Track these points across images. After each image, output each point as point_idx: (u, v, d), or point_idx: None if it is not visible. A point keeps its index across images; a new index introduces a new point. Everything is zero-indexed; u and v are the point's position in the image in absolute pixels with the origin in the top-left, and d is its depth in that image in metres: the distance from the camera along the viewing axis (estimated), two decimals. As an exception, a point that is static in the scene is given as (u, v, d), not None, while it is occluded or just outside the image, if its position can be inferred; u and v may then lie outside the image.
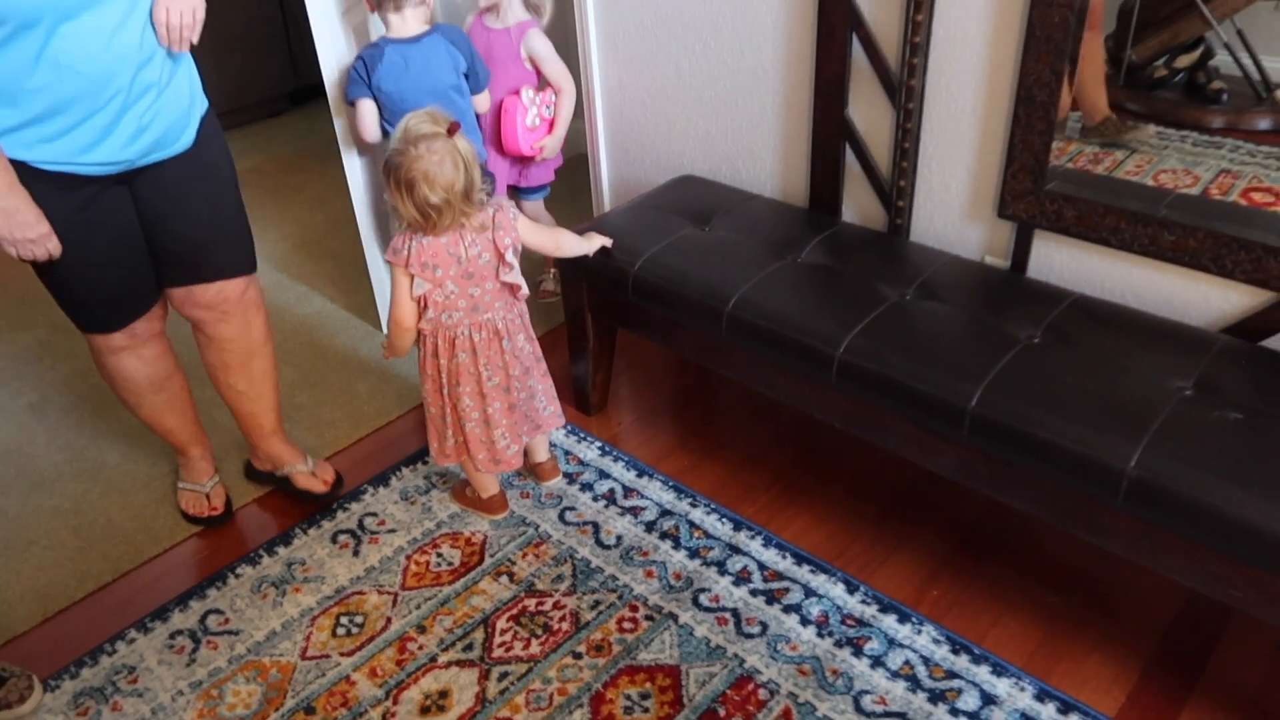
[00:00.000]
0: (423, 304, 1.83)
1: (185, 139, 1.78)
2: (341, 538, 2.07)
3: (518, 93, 2.43)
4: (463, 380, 1.89)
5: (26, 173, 1.61)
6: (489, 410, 1.92)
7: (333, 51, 2.35)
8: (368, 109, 2.27)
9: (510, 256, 1.82)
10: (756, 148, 2.33)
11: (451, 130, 1.73)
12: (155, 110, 1.70)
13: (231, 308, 1.97)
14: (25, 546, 2.13)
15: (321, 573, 1.99)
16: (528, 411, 2.00)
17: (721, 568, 1.92)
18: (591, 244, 2.07)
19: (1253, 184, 1.74)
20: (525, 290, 1.88)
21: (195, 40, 1.71)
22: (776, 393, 1.94)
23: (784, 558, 1.93)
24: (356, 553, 2.03)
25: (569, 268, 2.19)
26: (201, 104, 1.83)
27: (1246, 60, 1.75)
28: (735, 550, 1.96)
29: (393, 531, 2.08)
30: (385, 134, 2.31)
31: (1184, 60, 1.81)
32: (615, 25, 2.47)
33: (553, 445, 2.27)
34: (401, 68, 2.22)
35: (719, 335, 1.93)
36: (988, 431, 1.57)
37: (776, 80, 2.20)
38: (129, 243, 1.81)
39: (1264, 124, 1.75)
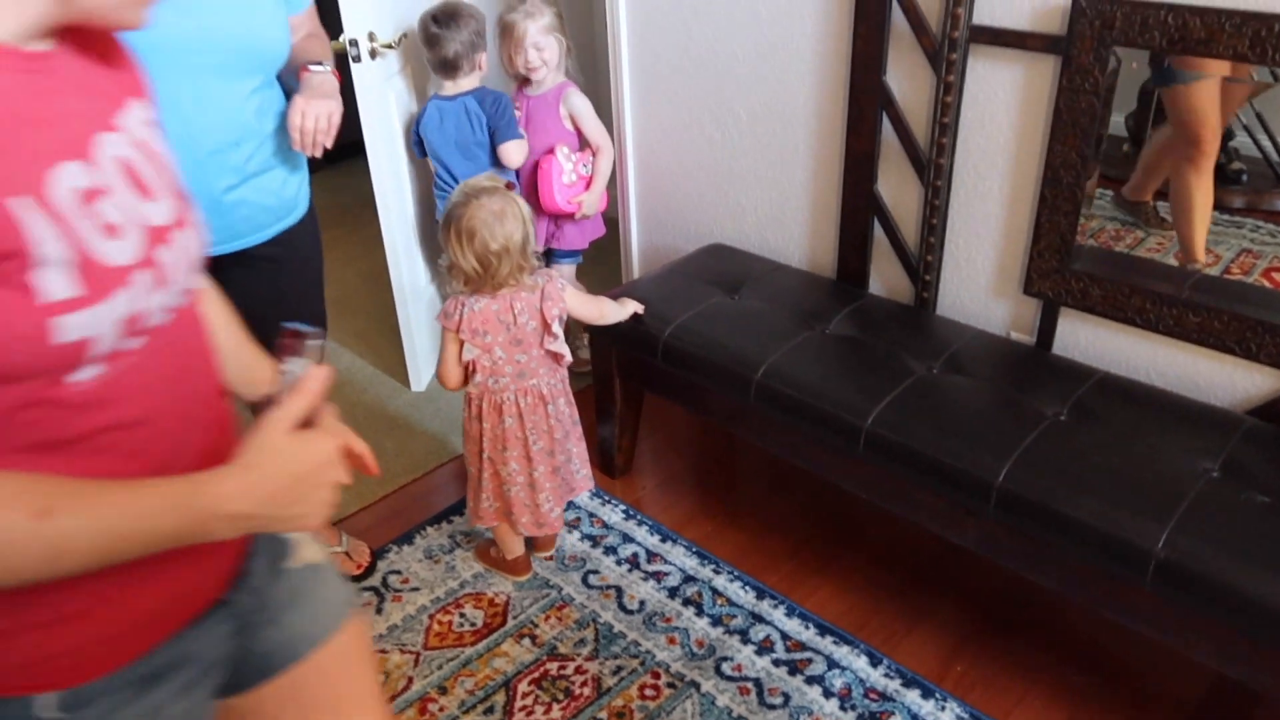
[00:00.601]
0: (471, 368, 1.88)
1: (262, 235, 1.69)
2: (364, 595, 2.08)
3: (553, 151, 2.50)
4: (509, 445, 1.92)
5: None
6: (534, 474, 1.95)
7: (376, 111, 2.43)
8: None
9: (557, 326, 1.87)
10: (786, 219, 2.38)
11: (510, 186, 1.84)
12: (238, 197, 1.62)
13: None
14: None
15: (345, 629, 2.00)
16: (565, 475, 2.02)
17: (744, 636, 1.92)
18: (625, 310, 2.11)
19: (1273, 264, 1.77)
20: (569, 358, 1.93)
21: (330, 146, 1.67)
22: (802, 461, 1.96)
23: (807, 628, 1.93)
24: (379, 610, 2.04)
25: (599, 332, 2.22)
26: (301, 203, 1.77)
27: (1265, 142, 1.79)
28: (758, 619, 1.96)
29: (416, 590, 2.09)
30: (437, 201, 2.52)
31: None
32: (650, 96, 2.54)
33: (576, 507, 2.28)
34: (437, 121, 2.48)
35: (746, 403, 1.95)
36: (1015, 507, 1.58)
37: (807, 155, 2.26)
38: None
39: None
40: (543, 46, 2.42)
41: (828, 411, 1.81)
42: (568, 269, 2.71)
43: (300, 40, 1.70)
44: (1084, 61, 1.74)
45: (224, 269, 1.60)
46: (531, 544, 2.16)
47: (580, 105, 2.52)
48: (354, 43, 2.34)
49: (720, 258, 2.37)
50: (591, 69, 3.18)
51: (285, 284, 1.76)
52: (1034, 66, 1.82)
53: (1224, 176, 1.82)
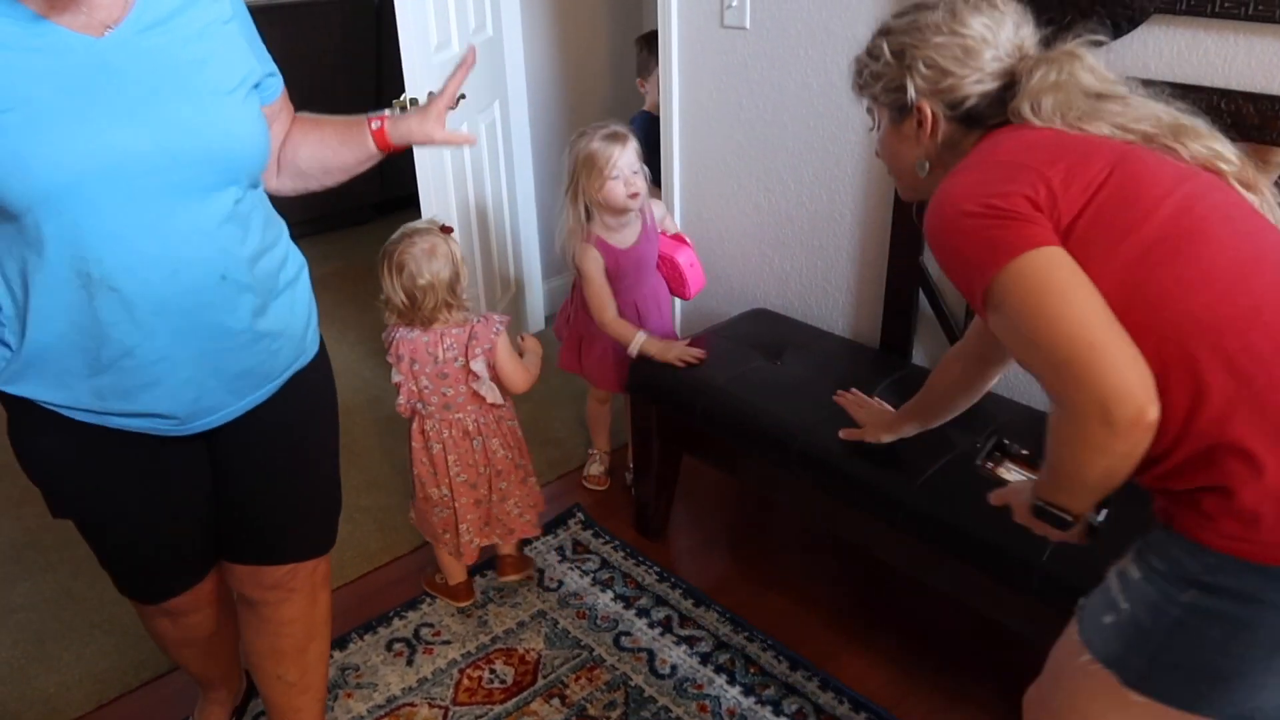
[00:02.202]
0: (398, 389, 2.03)
1: (282, 377, 1.40)
2: (396, 645, 2.08)
3: (681, 244, 2.43)
4: (436, 469, 2.06)
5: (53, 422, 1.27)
6: (456, 504, 2.07)
7: (432, 168, 2.49)
8: None
9: (477, 366, 1.96)
10: (830, 287, 2.39)
11: (446, 229, 1.97)
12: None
13: (300, 584, 1.58)
14: (88, 629, 2.17)
15: (374, 679, 1.99)
16: (500, 515, 2.13)
17: (777, 708, 1.89)
18: (526, 372, 2.07)
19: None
20: (497, 400, 2.02)
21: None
22: (840, 531, 1.94)
23: (841, 702, 1.89)
24: (410, 662, 2.03)
25: (640, 391, 2.24)
26: (314, 337, 1.48)
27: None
28: (791, 690, 1.92)
29: (447, 643, 2.08)
30: None
31: None
32: (699, 162, 2.59)
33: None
34: None
35: (784, 470, 1.94)
36: (1060, 587, 1.55)
37: (854, 224, 2.27)
38: (183, 509, 1.43)
39: None
40: (637, 166, 2.18)
41: (867, 482, 1.80)
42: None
43: (287, 129, 1.50)
44: (1136, 143, 1.74)
45: (225, 443, 1.39)
46: (496, 564, 2.25)
47: (662, 209, 2.44)
48: (414, 101, 2.41)
49: (763, 323, 2.39)
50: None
51: (301, 445, 1.49)
52: (1085, 146, 1.84)
53: None
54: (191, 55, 1.20)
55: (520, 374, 2.03)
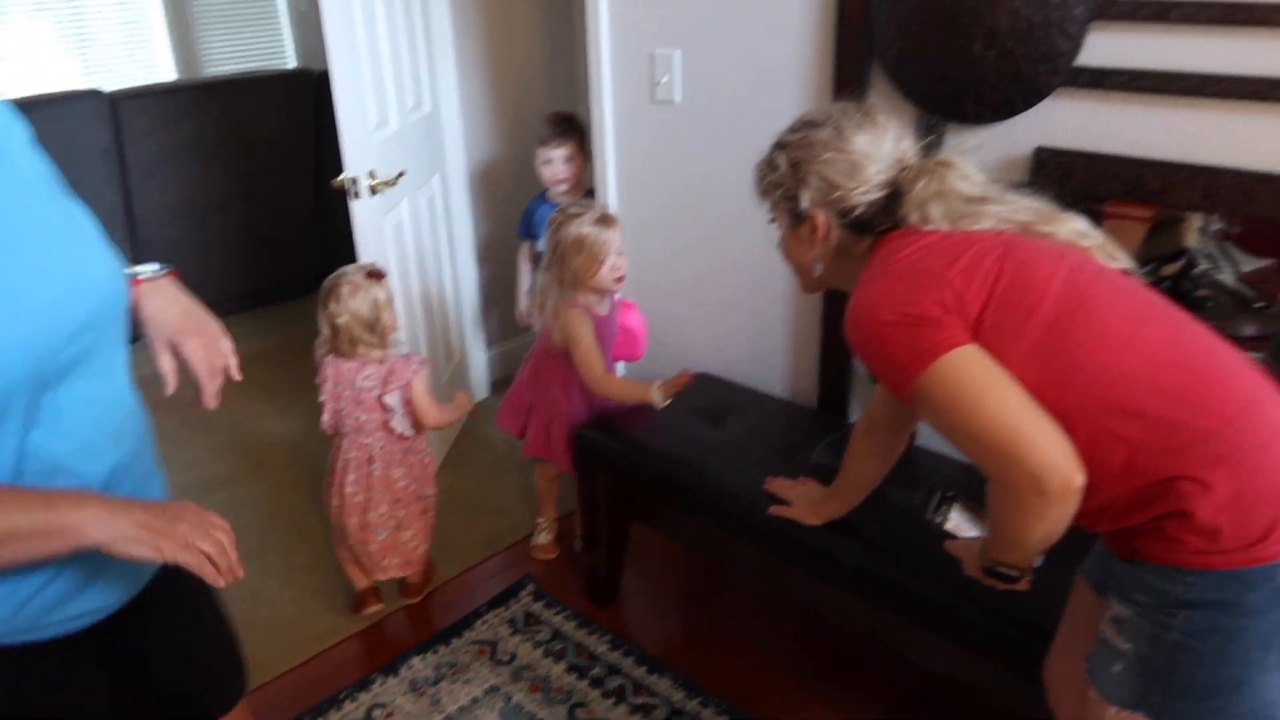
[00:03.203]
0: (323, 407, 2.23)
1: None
2: (347, 729, 2.04)
3: (625, 308, 2.48)
4: (335, 481, 2.24)
5: None
6: (346, 521, 2.24)
7: (373, 244, 2.51)
8: None
9: (389, 400, 2.15)
10: (768, 350, 2.45)
11: (373, 274, 2.16)
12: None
13: None
14: None
15: (325, 767, 1.95)
16: (395, 543, 2.27)
17: (733, 773, 1.89)
18: (448, 414, 2.27)
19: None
20: (406, 432, 2.20)
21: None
22: (788, 592, 1.97)
23: (797, 764, 1.90)
24: (362, 746, 2.00)
25: (586, 460, 2.25)
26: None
27: (1225, 276, 1.87)
28: (747, 754, 1.93)
29: (399, 724, 2.05)
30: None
31: (1169, 269, 1.94)
32: (636, 230, 2.65)
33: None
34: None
35: (730, 533, 1.97)
36: (1003, 639, 1.59)
37: (788, 288, 2.34)
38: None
39: (1249, 329, 1.85)
40: (623, 249, 2.25)
41: (809, 544, 1.83)
42: None
43: None
44: (1048, 208, 1.84)
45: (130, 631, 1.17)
46: (401, 587, 2.43)
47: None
48: (354, 180, 2.44)
49: (705, 387, 2.43)
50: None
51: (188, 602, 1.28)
52: (1001, 211, 1.93)
53: (1190, 302, 1.90)
54: None
55: (434, 413, 2.22)
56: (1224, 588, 1.07)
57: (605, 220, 2.20)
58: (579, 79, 3.43)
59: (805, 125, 1.36)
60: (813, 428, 2.21)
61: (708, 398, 2.35)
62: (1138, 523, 1.12)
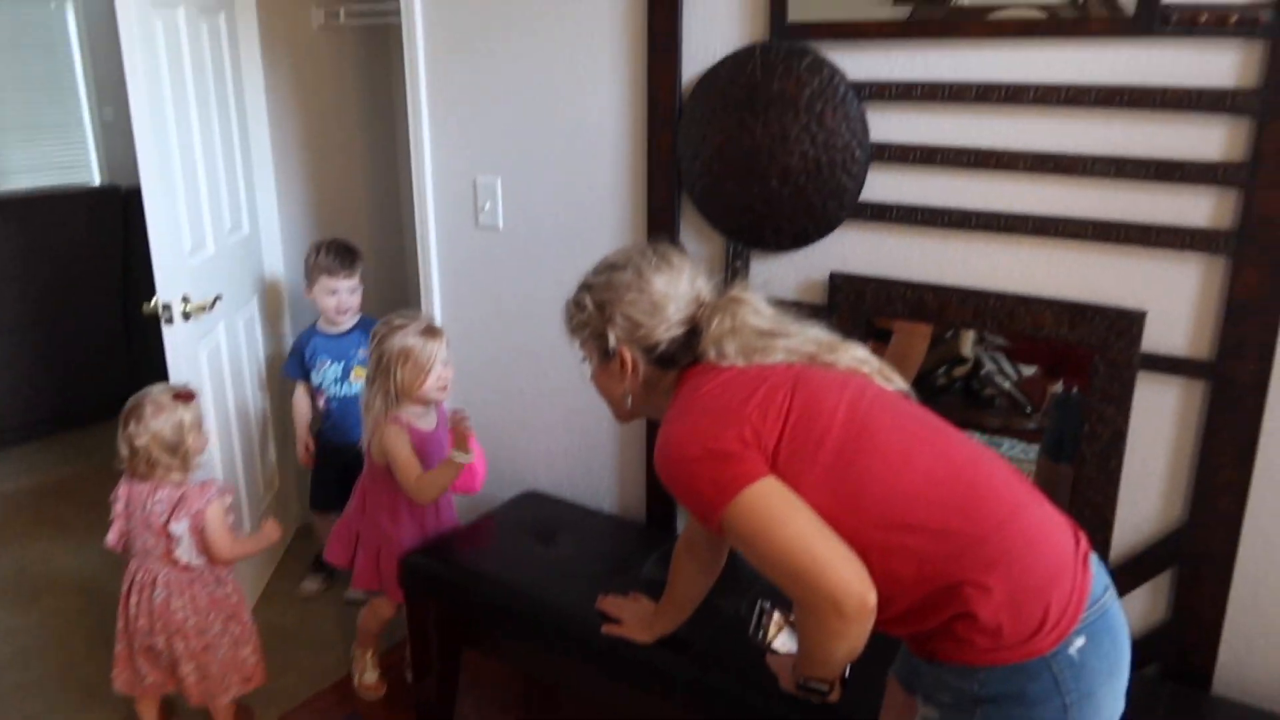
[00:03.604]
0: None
1: None
2: None
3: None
4: (121, 603, 2.16)
5: None
6: (130, 643, 2.16)
7: (188, 370, 2.41)
8: None
9: (175, 528, 2.07)
10: (596, 466, 2.49)
11: (180, 395, 2.12)
12: None
13: None
14: None
15: None
16: (175, 677, 2.17)
17: None
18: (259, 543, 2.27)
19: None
20: (191, 562, 2.11)
21: None
22: (624, 711, 1.96)
23: None
24: None
25: (414, 586, 2.20)
26: None
27: (1005, 381, 2.06)
28: None
29: None
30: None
31: (959, 370, 2.12)
32: (463, 352, 2.67)
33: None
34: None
35: (563, 655, 1.96)
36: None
37: (612, 405, 2.41)
38: None
39: (1032, 425, 2.03)
40: (448, 358, 2.26)
41: (641, 660, 1.85)
42: None
43: None
44: (844, 328, 1.99)
45: None
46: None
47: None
48: (167, 306, 2.36)
49: (534, 505, 2.44)
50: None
51: None
52: (804, 330, 2.07)
53: (979, 401, 2.09)
54: None
55: (225, 546, 2.14)
56: (1011, 681, 1.17)
57: (430, 331, 2.22)
58: (404, 201, 3.47)
59: (608, 268, 1.46)
60: (642, 542, 2.25)
61: (538, 517, 2.37)
62: (931, 627, 1.21)
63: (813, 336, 1.39)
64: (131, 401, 2.10)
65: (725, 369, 1.35)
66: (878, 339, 2.02)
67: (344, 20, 3.17)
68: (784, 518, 1.21)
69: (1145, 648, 1.82)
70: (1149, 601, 1.83)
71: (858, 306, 1.98)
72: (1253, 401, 1.65)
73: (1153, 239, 1.68)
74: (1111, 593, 1.24)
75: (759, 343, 1.36)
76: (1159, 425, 1.76)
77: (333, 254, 2.74)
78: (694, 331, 1.40)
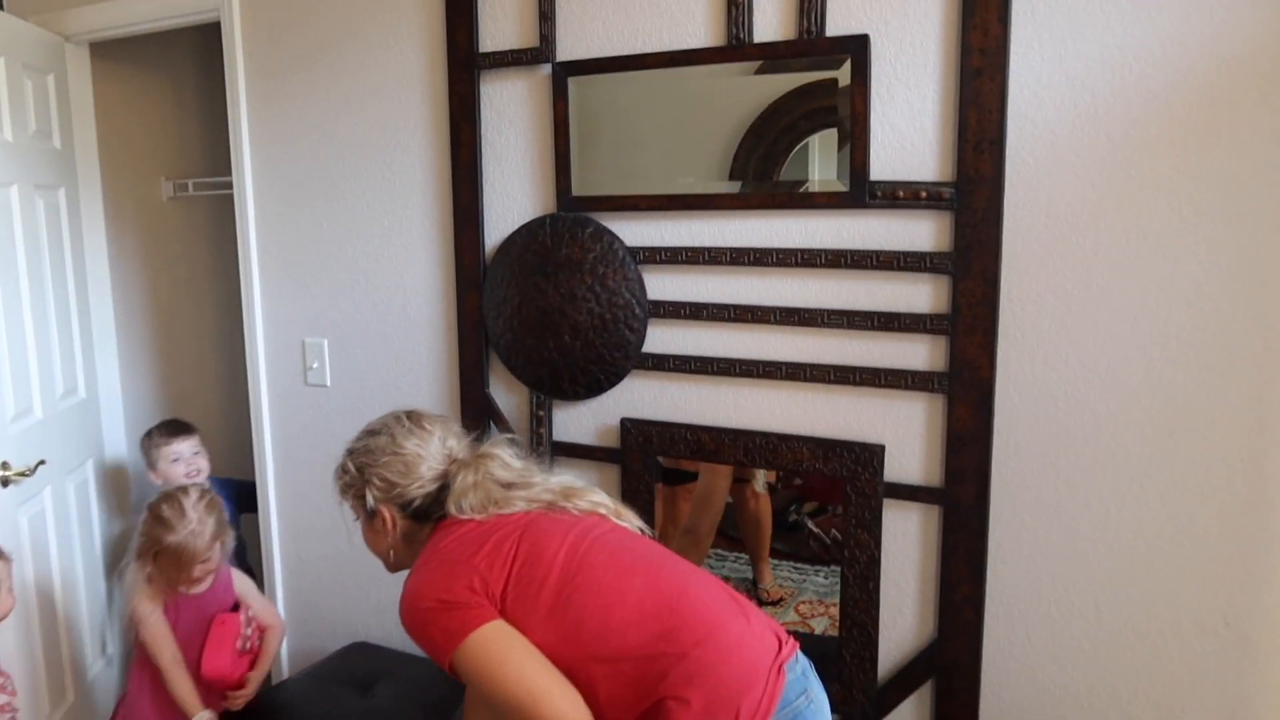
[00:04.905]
0: None
1: None
2: None
3: (236, 610, 2.36)
4: None
5: None
6: None
7: (8, 539, 2.40)
8: None
9: None
10: (423, 612, 2.54)
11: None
12: None
13: None
14: None
15: None
16: None
17: None
18: None
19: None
20: None
21: None
22: None
23: None
24: None
25: (229, 747, 2.20)
26: None
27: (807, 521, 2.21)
28: None
29: None
30: None
31: (808, 507, 2.28)
32: (292, 504, 2.73)
33: None
34: None
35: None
36: None
37: (436, 552, 2.49)
38: None
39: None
40: (217, 551, 2.26)
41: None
42: None
43: None
44: (636, 468, 2.16)
45: None
46: None
47: (248, 584, 2.47)
48: (5, 465, 2.38)
49: (360, 656, 2.47)
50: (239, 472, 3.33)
51: None
52: (603, 472, 2.23)
53: (812, 538, 2.23)
54: None
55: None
56: None
57: (193, 530, 2.19)
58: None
59: (367, 434, 1.63)
60: (459, 686, 2.29)
61: (360, 666, 2.40)
62: None
63: (554, 485, 1.56)
64: None
65: (465, 522, 1.50)
66: (684, 480, 2.18)
67: (192, 191, 3.34)
68: (504, 656, 1.34)
69: (918, 759, 1.96)
70: (916, 713, 1.97)
71: (646, 448, 2.14)
72: (977, 522, 1.85)
73: (883, 380, 1.90)
74: (807, 698, 1.38)
75: (500, 494, 1.52)
76: (906, 547, 1.94)
77: (163, 427, 2.82)
78: (445, 487, 1.55)
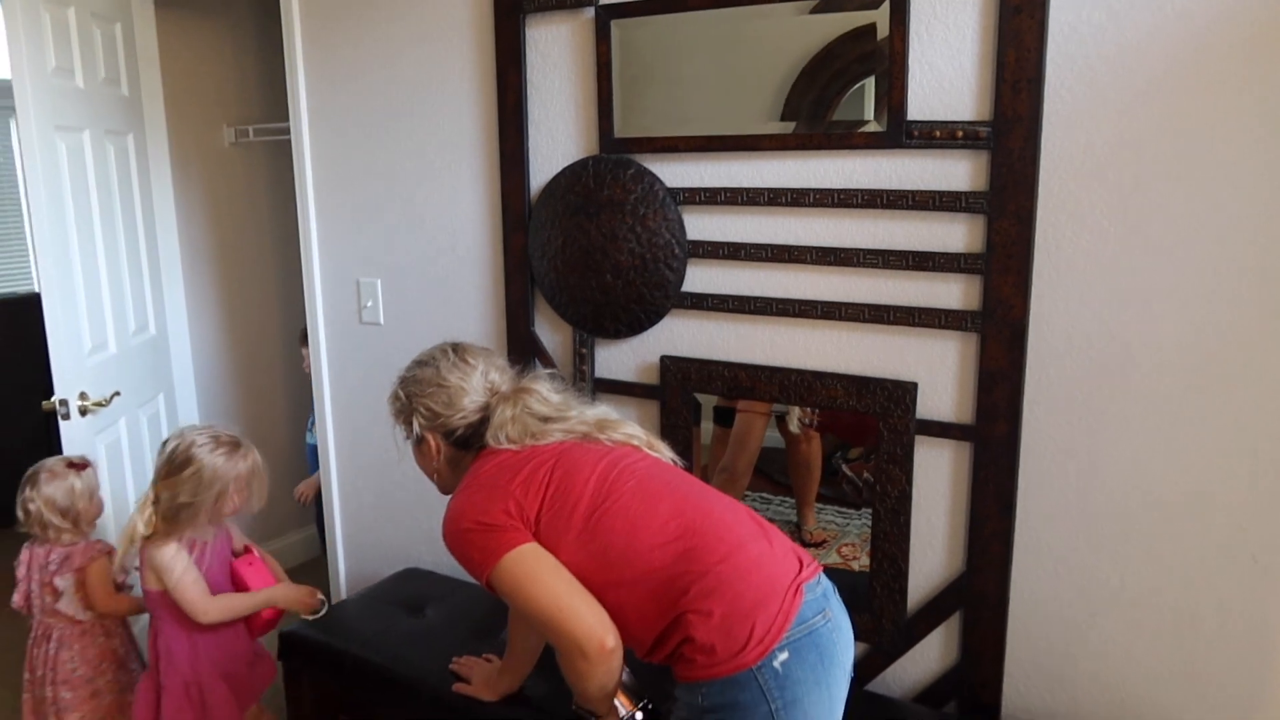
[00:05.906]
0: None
1: None
2: None
3: (250, 550, 2.39)
4: (27, 659, 2.35)
5: None
6: (25, 692, 2.35)
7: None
8: None
9: (59, 582, 2.27)
10: (471, 541, 2.66)
11: (73, 464, 2.33)
12: None
13: None
14: None
15: None
16: None
17: None
18: None
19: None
20: (76, 616, 2.29)
21: None
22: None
23: None
24: None
25: (292, 658, 2.34)
26: None
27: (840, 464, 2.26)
28: None
29: None
30: None
31: (854, 453, 2.33)
32: (350, 437, 2.85)
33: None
34: None
35: (424, 714, 2.10)
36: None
37: (484, 484, 2.59)
38: None
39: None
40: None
41: (488, 718, 2.00)
42: None
43: None
44: (674, 404, 2.22)
45: None
46: None
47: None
48: (64, 402, 2.54)
49: (411, 581, 2.60)
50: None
51: None
52: (643, 408, 2.30)
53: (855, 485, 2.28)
54: None
55: (104, 599, 2.30)
56: (726, 692, 1.37)
57: (234, 454, 2.16)
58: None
59: (416, 364, 1.72)
60: (502, 607, 2.40)
61: (412, 590, 2.52)
62: (670, 652, 1.41)
63: (589, 417, 1.63)
64: (30, 470, 2.33)
65: (502, 451, 1.58)
66: (722, 423, 2.25)
67: (253, 138, 3.45)
68: (536, 575, 1.44)
69: (944, 686, 2.02)
70: (944, 643, 2.02)
71: (684, 385, 2.20)
72: (1007, 459, 1.88)
73: (916, 319, 1.93)
74: (825, 617, 1.44)
75: (538, 427, 1.60)
76: (937, 483, 1.98)
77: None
78: (487, 419, 1.63)
